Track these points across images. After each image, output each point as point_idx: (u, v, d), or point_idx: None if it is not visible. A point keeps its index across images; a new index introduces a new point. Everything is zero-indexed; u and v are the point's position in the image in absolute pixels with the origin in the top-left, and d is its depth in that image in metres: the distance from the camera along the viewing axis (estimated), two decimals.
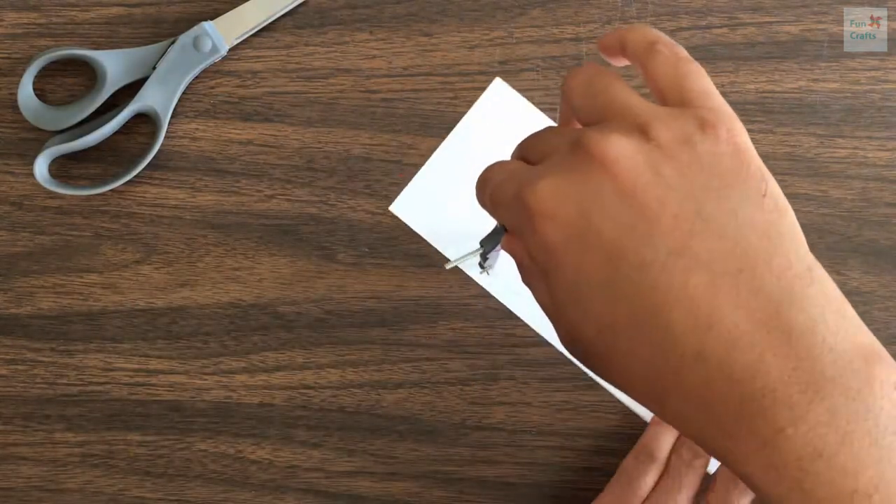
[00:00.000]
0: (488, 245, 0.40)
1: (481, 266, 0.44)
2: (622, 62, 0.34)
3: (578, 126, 0.34)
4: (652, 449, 0.47)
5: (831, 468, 0.26)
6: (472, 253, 0.43)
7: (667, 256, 0.27)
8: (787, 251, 0.28)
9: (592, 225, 0.29)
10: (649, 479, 0.46)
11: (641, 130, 0.29)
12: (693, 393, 0.27)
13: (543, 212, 0.29)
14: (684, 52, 0.32)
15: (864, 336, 0.27)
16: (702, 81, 0.31)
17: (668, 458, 0.47)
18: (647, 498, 0.46)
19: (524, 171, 0.32)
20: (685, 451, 0.46)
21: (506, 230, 0.35)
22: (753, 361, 0.26)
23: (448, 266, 0.45)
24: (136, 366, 0.50)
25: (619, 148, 0.29)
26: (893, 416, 0.26)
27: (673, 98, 0.30)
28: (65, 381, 0.50)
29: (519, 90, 0.50)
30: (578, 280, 0.29)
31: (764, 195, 0.28)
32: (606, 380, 0.31)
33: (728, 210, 0.28)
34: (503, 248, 0.35)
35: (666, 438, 0.47)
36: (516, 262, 0.34)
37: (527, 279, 0.33)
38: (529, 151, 0.33)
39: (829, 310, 0.27)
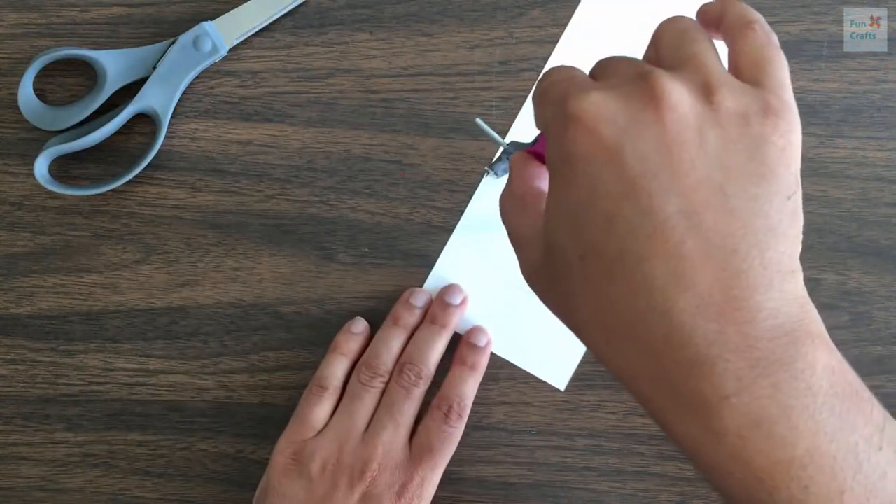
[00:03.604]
0: (512, 148, 0.39)
1: (491, 166, 0.45)
2: (713, 35, 0.34)
3: None
4: (322, 379, 0.48)
5: (770, 437, 0.27)
6: (497, 138, 0.44)
7: (675, 212, 0.28)
8: (783, 251, 0.29)
9: (621, 154, 0.29)
10: (323, 409, 0.47)
11: (708, 91, 0.29)
12: (649, 344, 0.28)
13: (583, 120, 0.29)
14: (776, 40, 0.32)
15: (817, 326, 0.28)
16: (783, 73, 0.31)
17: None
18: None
19: (583, 81, 0.32)
20: (363, 373, 0.48)
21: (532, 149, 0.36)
22: (715, 331, 0.27)
23: (477, 121, 0.45)
24: (136, 366, 0.50)
25: (680, 96, 0.29)
26: (829, 396, 0.27)
27: (748, 76, 0.31)
28: (65, 381, 0.50)
29: (520, 90, 0.50)
30: (585, 199, 0.29)
31: (789, 198, 0.29)
32: (558, 311, 0.32)
33: (751, 195, 0.28)
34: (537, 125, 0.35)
35: (340, 367, 0.48)
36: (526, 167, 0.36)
37: (524, 184, 0.35)
38: (598, 70, 0.33)
39: (795, 302, 0.28)
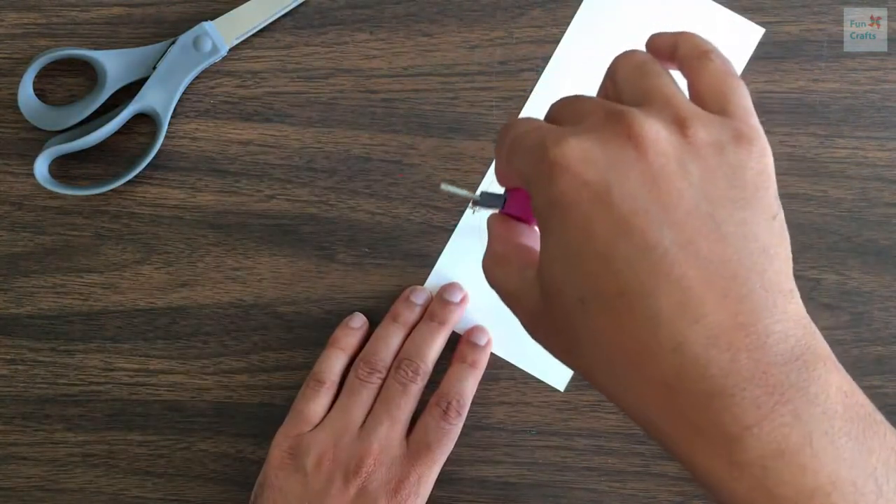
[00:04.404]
0: (487, 202, 0.39)
1: (471, 205, 0.43)
2: (667, 66, 0.34)
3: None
4: (320, 374, 0.48)
5: (793, 466, 0.27)
6: (467, 194, 0.42)
7: (671, 245, 0.28)
8: (779, 271, 0.29)
9: (610, 195, 0.29)
10: (320, 403, 0.48)
11: (680, 124, 0.30)
12: (662, 382, 0.28)
13: (566, 166, 0.30)
14: (733, 67, 0.33)
15: (823, 347, 0.29)
16: (746, 100, 0.32)
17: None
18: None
19: (553, 128, 0.32)
20: (361, 369, 0.48)
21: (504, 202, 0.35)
22: (728, 360, 0.27)
23: (442, 187, 0.44)
24: (136, 366, 0.50)
25: (657, 132, 0.29)
26: (845, 420, 0.27)
27: (714, 107, 0.31)
28: (65, 381, 0.50)
29: (520, 90, 0.50)
30: (579, 243, 0.29)
31: (773, 219, 0.29)
32: (564, 358, 0.32)
33: (739, 220, 0.29)
34: (501, 182, 0.35)
35: (338, 362, 0.49)
36: (508, 214, 0.35)
37: (513, 237, 0.35)
38: (560, 112, 0.33)
39: (799, 324, 0.28)
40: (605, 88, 0.34)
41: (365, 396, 0.47)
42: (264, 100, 0.50)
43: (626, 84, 0.32)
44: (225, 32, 0.49)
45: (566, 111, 0.33)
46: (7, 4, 0.50)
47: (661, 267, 0.28)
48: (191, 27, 0.49)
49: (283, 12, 0.49)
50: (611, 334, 0.29)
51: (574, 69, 0.50)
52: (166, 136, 0.49)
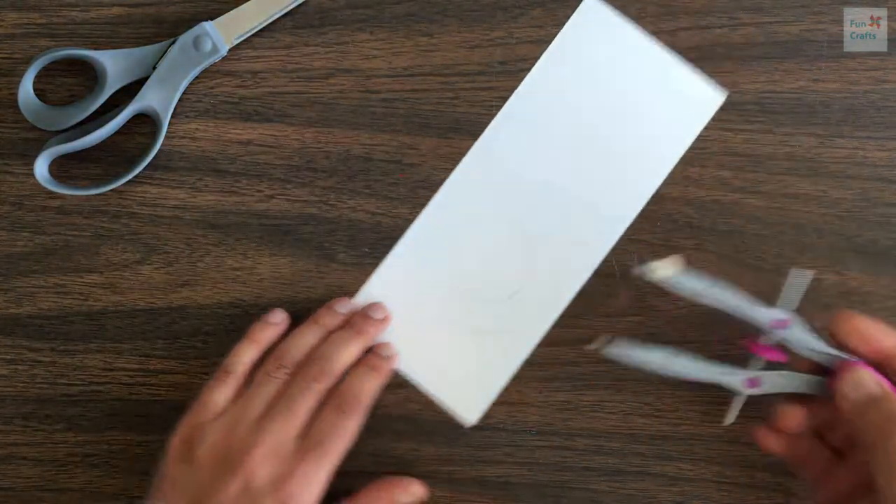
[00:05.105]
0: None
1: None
2: None
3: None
4: (228, 364, 0.48)
5: None
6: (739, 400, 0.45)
7: None
8: None
9: None
10: (224, 393, 0.47)
11: None
12: None
13: None
14: None
15: None
16: None
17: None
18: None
19: None
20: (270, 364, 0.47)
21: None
22: None
23: (726, 422, 0.46)
24: (136, 366, 0.50)
25: None
26: None
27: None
28: (65, 381, 0.50)
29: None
30: None
31: None
32: None
33: None
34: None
35: (248, 354, 0.48)
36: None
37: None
38: None
39: None
40: None
41: (266, 391, 0.46)
42: (264, 100, 0.50)
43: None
44: (225, 32, 0.49)
45: None
46: (7, 4, 0.50)
47: None
48: (191, 27, 0.49)
49: (283, 12, 0.49)
50: None
51: (537, 109, 0.50)
52: (166, 136, 0.49)
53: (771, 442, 0.46)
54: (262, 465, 0.44)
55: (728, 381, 0.44)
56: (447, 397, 0.50)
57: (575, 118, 0.49)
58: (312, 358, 0.47)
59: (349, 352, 0.48)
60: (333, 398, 0.46)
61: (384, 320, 0.49)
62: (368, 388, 0.47)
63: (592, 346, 0.45)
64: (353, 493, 0.48)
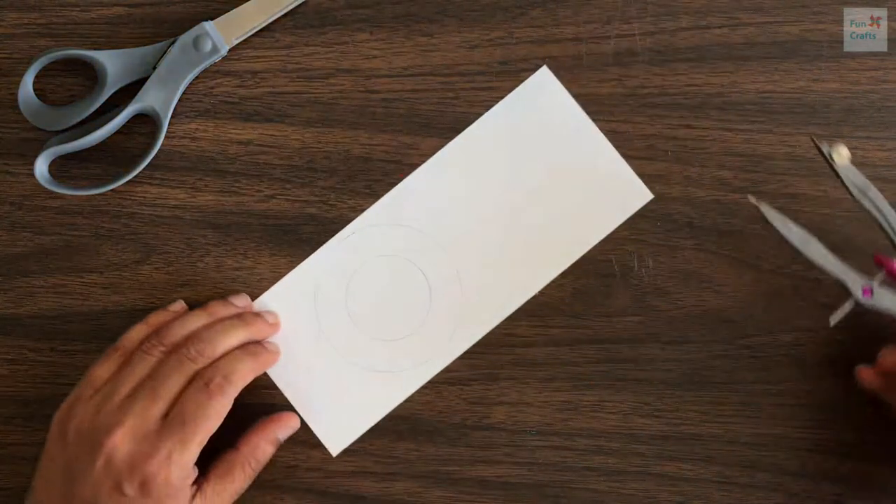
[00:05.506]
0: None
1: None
2: None
3: None
4: (118, 341, 0.47)
5: None
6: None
7: None
8: None
9: None
10: (107, 369, 0.46)
11: None
12: None
13: None
14: None
15: None
16: None
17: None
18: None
19: None
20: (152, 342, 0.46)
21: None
22: None
23: (832, 322, 0.45)
24: None
25: None
26: None
27: None
28: (65, 381, 0.50)
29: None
30: None
31: None
32: None
33: None
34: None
35: (138, 333, 0.47)
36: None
37: None
38: None
39: None
40: None
41: (139, 368, 0.45)
42: (264, 100, 0.50)
43: None
44: (225, 32, 0.49)
45: None
46: (7, 4, 0.50)
47: None
48: (191, 27, 0.49)
49: (283, 12, 0.49)
50: None
51: (470, 160, 0.50)
52: (166, 136, 0.49)
53: (872, 379, 0.48)
54: (122, 444, 0.43)
55: (848, 281, 0.44)
56: (316, 424, 0.49)
57: (505, 175, 0.50)
58: (191, 339, 0.46)
59: (230, 339, 0.47)
60: (201, 377, 0.45)
61: (274, 325, 0.49)
62: (241, 370, 0.46)
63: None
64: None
